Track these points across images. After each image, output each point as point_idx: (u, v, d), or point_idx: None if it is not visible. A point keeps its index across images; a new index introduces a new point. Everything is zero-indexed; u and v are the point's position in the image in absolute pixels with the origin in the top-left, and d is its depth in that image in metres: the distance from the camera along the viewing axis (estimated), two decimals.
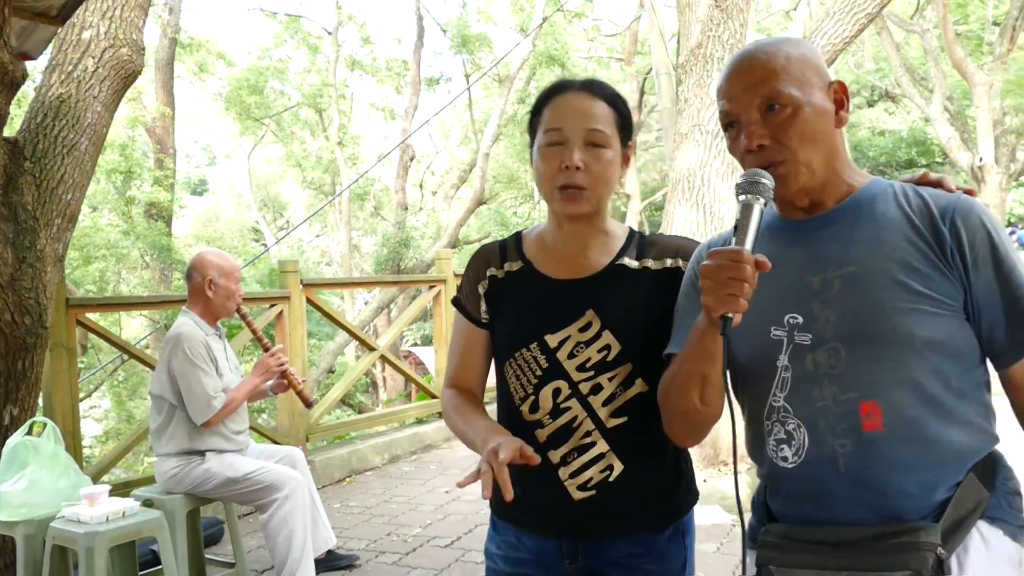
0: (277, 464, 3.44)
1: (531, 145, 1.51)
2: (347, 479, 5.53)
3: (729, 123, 1.30)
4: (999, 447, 1.24)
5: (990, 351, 1.21)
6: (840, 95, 1.27)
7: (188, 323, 3.36)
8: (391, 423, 6.66)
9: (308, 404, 3.87)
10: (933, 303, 1.17)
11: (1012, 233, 22.80)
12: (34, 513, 2.97)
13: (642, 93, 19.25)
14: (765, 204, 1.20)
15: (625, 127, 1.48)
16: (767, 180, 1.20)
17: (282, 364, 3.48)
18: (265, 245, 25.29)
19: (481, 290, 1.55)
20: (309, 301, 5.54)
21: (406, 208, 19.24)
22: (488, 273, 1.55)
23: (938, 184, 1.29)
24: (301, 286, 5.40)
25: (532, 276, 1.52)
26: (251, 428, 3.84)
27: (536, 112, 1.49)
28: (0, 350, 3.41)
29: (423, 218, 24.19)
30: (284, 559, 3.24)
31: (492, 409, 1.58)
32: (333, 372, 15.74)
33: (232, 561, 3.56)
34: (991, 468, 1.22)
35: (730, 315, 1.14)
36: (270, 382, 3.53)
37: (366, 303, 20.18)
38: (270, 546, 3.30)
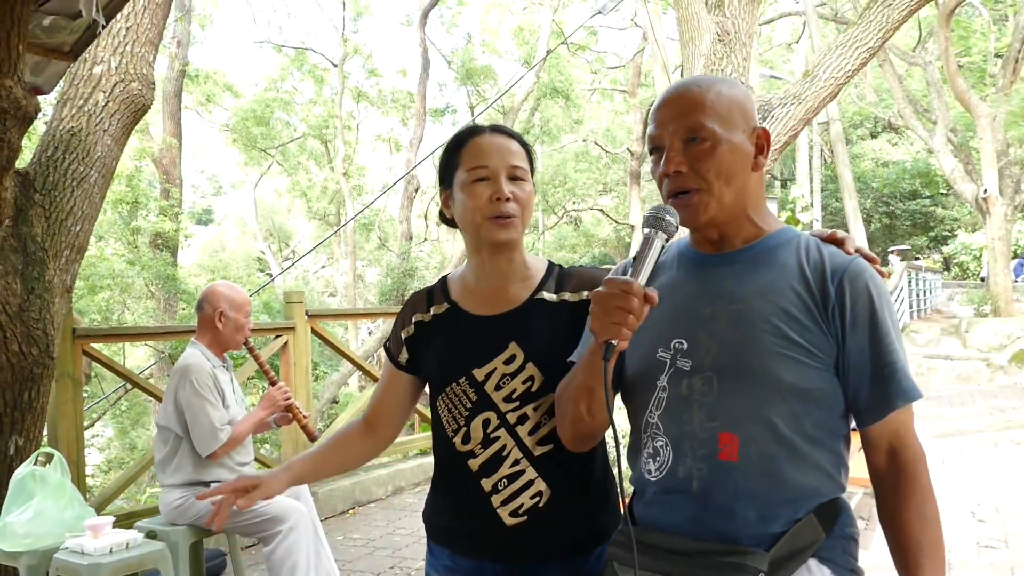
0: (281, 496, 3.43)
1: (445, 186, 1.59)
2: (350, 511, 5.50)
3: (654, 148, 1.36)
4: None
5: (854, 409, 1.29)
6: (762, 141, 1.35)
7: (196, 354, 3.37)
8: (394, 454, 6.63)
9: (312, 438, 3.86)
10: (805, 353, 1.24)
11: (1022, 265, 22.26)
12: (38, 544, 2.95)
13: (645, 124, 19.39)
14: (667, 240, 1.26)
15: (531, 163, 1.58)
16: (671, 217, 1.26)
17: (288, 398, 3.49)
18: (270, 275, 25.35)
19: (404, 336, 1.64)
20: (314, 332, 5.54)
21: (411, 238, 19.31)
22: (414, 319, 1.63)
23: (840, 244, 1.35)
24: (306, 317, 5.41)
25: (458, 316, 1.59)
26: (255, 459, 3.83)
27: (452, 154, 1.57)
28: (7, 380, 3.42)
29: (427, 248, 24.27)
30: None
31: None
32: (337, 402, 15.71)
33: None
34: (833, 512, 1.28)
35: (613, 342, 1.18)
36: (274, 415, 3.53)
37: (370, 333, 20.18)
38: None
